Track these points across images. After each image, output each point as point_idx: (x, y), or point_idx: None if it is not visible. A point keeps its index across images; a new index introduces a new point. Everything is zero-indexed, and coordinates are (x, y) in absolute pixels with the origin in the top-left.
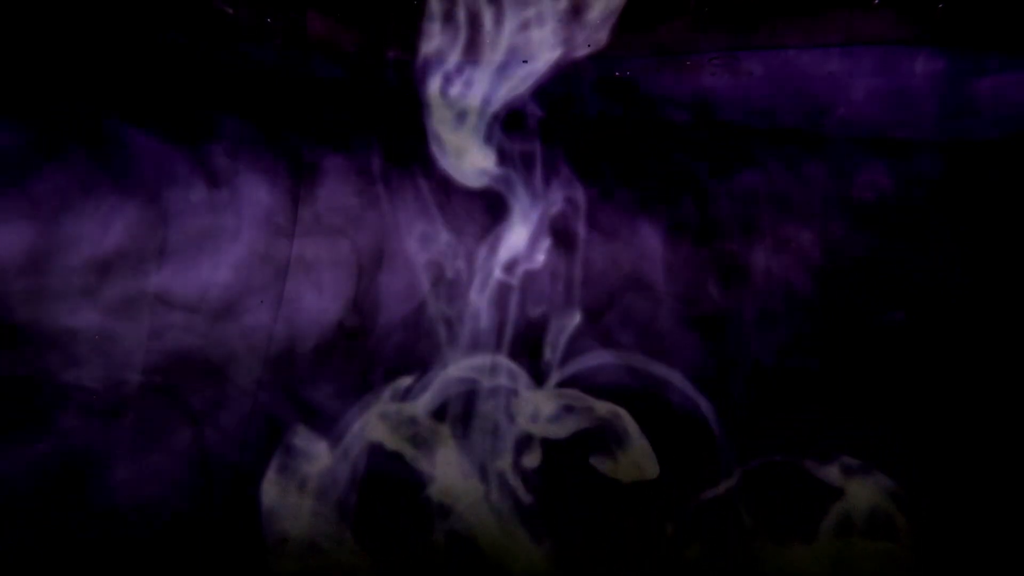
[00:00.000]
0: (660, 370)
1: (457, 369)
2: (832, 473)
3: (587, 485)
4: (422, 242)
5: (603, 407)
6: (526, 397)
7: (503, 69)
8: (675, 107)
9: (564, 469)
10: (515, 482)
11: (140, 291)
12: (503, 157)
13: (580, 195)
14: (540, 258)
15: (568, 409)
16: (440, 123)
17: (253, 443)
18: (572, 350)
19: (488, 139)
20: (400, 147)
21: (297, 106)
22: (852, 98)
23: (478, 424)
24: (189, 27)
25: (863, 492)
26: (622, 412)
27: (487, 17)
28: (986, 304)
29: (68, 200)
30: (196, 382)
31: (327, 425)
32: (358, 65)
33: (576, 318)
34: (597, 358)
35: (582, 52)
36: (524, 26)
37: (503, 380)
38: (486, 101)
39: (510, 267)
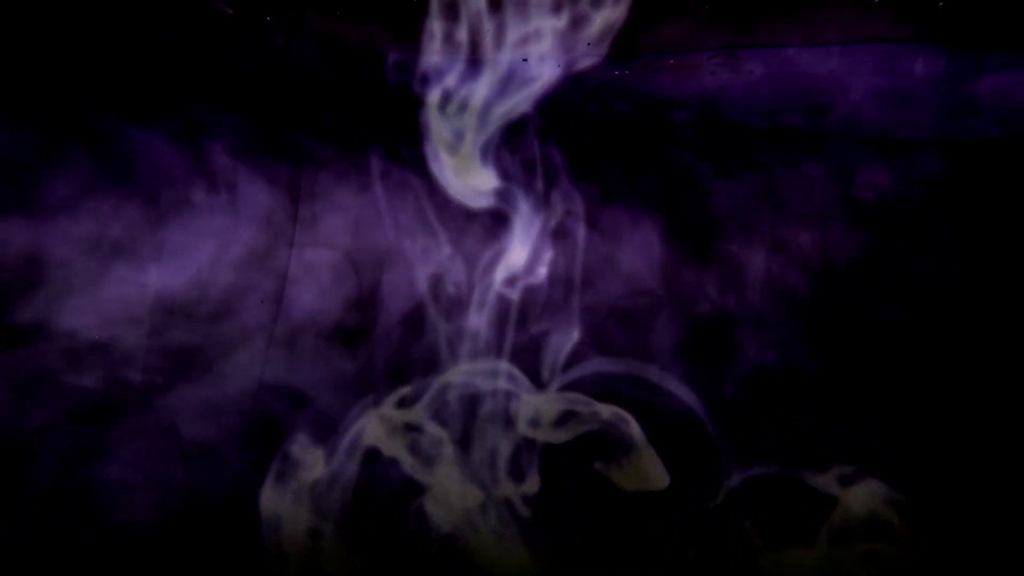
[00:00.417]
0: (657, 372)
1: (457, 373)
2: (831, 477)
3: (586, 488)
4: (422, 242)
5: (607, 410)
6: (526, 401)
7: (503, 69)
8: (675, 107)
9: (563, 473)
10: (514, 487)
11: (140, 291)
12: (503, 158)
13: (580, 195)
14: (541, 259)
15: (570, 413)
16: (439, 128)
17: (252, 444)
18: (572, 353)
19: (488, 140)
20: (400, 147)
21: (297, 106)
22: (852, 98)
23: (477, 428)
24: (189, 27)
25: (862, 496)
26: (628, 417)
27: (488, 17)
28: (986, 304)
29: (68, 200)
30: (195, 382)
31: (327, 426)
32: (358, 65)
33: (576, 320)
34: (596, 364)
35: (582, 52)
36: (524, 26)
37: (503, 384)
38: (487, 101)
39: (510, 268)
